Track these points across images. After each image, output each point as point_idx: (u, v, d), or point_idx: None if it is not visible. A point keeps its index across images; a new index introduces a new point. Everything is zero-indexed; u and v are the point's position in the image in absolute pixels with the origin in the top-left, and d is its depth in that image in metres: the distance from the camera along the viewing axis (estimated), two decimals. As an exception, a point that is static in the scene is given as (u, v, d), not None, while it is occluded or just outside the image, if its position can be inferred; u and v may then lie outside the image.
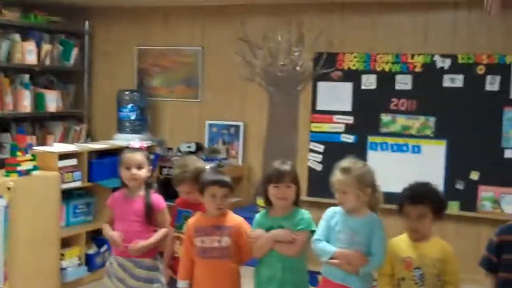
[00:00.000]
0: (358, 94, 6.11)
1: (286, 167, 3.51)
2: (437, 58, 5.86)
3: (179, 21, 6.91)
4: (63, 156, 5.34)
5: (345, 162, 3.44)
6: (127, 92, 6.77)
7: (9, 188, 4.63)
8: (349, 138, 6.14)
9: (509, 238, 3.32)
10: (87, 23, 7.20)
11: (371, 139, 6.07)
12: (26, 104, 6.46)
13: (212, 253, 3.52)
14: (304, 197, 5.93)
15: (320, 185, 5.70)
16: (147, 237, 3.94)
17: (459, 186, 5.78)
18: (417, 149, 5.92)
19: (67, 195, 5.49)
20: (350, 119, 6.15)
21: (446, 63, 5.83)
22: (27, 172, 4.92)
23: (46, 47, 6.72)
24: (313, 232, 3.47)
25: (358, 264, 3.30)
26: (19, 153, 4.89)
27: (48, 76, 6.97)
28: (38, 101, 6.65)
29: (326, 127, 6.23)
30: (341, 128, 6.18)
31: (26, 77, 6.56)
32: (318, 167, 6.23)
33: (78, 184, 5.48)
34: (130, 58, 7.15)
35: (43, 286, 5.10)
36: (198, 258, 3.57)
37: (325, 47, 6.09)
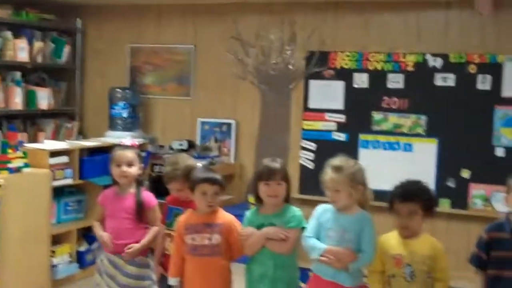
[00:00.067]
0: (350, 93, 6.12)
1: (276, 164, 3.51)
2: (429, 57, 5.87)
3: (172, 19, 6.90)
4: (54, 153, 5.33)
5: (336, 161, 3.44)
6: (119, 90, 6.75)
7: (-1, 186, 4.63)
8: (341, 136, 6.15)
9: (498, 235, 3.34)
10: (79, 20, 7.18)
11: (362, 137, 6.08)
12: (17, 101, 6.45)
13: (202, 251, 3.52)
14: (296, 194, 5.97)
15: (312, 183, 5.70)
16: (138, 234, 3.95)
17: (451, 184, 5.80)
18: (408, 147, 5.93)
19: (58, 192, 5.48)
20: (342, 117, 6.16)
21: (438, 62, 5.84)
22: (18, 170, 4.91)
23: (38, 44, 6.70)
24: (304, 229, 3.48)
25: (348, 261, 3.31)
26: (10, 150, 4.88)
27: (39, 74, 6.94)
28: (30, 98, 6.63)
29: (318, 125, 6.24)
30: (333, 126, 6.18)
31: (18, 74, 6.54)
32: (310, 165, 6.24)
33: (69, 181, 5.48)
34: (122, 56, 7.14)
35: (34, 283, 5.10)
36: (189, 255, 3.57)
37: (318, 45, 6.11)
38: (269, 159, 3.57)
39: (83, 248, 5.70)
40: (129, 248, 3.91)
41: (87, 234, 5.66)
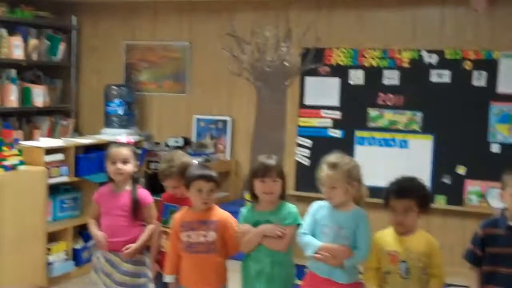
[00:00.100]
0: (346, 89, 6.13)
1: (272, 161, 3.51)
2: (424, 53, 5.87)
3: (167, 16, 6.89)
4: (50, 151, 5.32)
5: (332, 157, 3.44)
6: (114, 87, 6.75)
7: (-5, 183, 4.62)
8: (337, 133, 6.16)
9: (493, 231, 3.34)
10: (74, 18, 7.17)
11: (358, 133, 6.08)
12: (12, 99, 6.43)
13: (198, 248, 3.52)
14: (292, 191, 5.98)
15: (307, 180, 5.71)
16: (133, 232, 3.95)
17: (446, 180, 5.81)
18: (404, 144, 5.94)
19: (54, 190, 5.48)
20: (337, 114, 6.16)
21: (434, 59, 5.85)
22: (13, 167, 4.91)
23: (33, 42, 6.69)
24: (300, 225, 3.48)
25: (343, 258, 3.31)
26: (5, 148, 4.88)
27: (35, 71, 6.93)
28: (25, 96, 6.61)
29: (313, 122, 6.24)
30: (328, 123, 6.19)
31: (13, 72, 6.52)
32: (306, 162, 6.24)
33: (65, 179, 5.47)
34: (118, 53, 7.13)
35: (30, 281, 5.10)
36: (185, 252, 3.57)
37: (313, 42, 6.10)
38: (265, 156, 3.57)
39: (79, 245, 5.70)
40: (127, 249, 3.92)
41: (83, 232, 5.65)
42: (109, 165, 4.00)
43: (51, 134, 6.85)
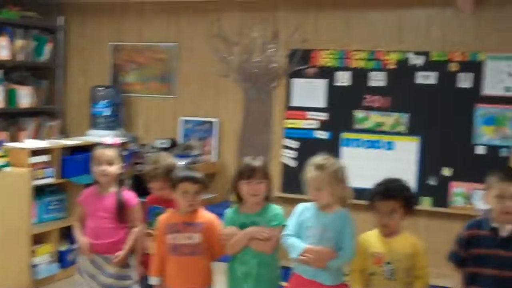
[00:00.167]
0: (332, 91, 6.13)
1: (257, 163, 3.52)
2: (410, 55, 5.88)
3: (154, 17, 6.87)
4: (35, 152, 5.30)
5: (318, 159, 3.46)
6: (101, 88, 6.72)
7: (-21, 185, 4.59)
8: (323, 135, 6.16)
9: (477, 233, 3.36)
10: (61, 18, 7.13)
11: (345, 135, 6.09)
12: (-2, 100, 6.40)
13: (183, 250, 3.52)
14: (278, 193, 5.97)
15: (294, 181, 5.70)
16: (118, 234, 3.94)
17: (432, 182, 5.82)
18: (390, 146, 5.95)
19: (39, 191, 5.46)
20: (324, 116, 6.16)
21: (420, 60, 5.86)
22: (-2, 169, 4.89)
23: (19, 42, 6.65)
24: (285, 226, 3.49)
25: (328, 260, 3.31)
26: (-10, 149, 4.85)
27: (21, 72, 6.89)
28: (11, 96, 6.57)
29: (300, 123, 6.24)
30: (315, 124, 6.19)
31: (-1, 72, 6.50)
32: (292, 164, 6.24)
33: (50, 180, 5.45)
34: (105, 54, 7.10)
35: (15, 283, 5.07)
36: (170, 255, 3.57)
37: (300, 43, 6.11)
38: (250, 158, 3.58)
39: (64, 247, 5.67)
40: (116, 257, 3.91)
41: (68, 234, 5.62)
42: (94, 167, 3.99)
43: (37, 135, 6.81)
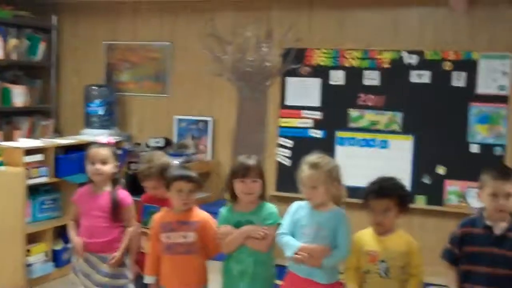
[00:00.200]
0: (327, 90, 6.14)
1: (252, 161, 3.52)
2: (404, 54, 5.90)
3: (148, 16, 6.87)
4: (30, 151, 5.29)
5: (313, 158, 3.46)
6: (95, 87, 6.71)
7: (-27, 184, 4.58)
8: (318, 133, 6.17)
9: (471, 231, 3.37)
10: (54, 17, 7.12)
11: (339, 134, 6.10)
12: (-8, 99, 6.40)
13: (178, 249, 3.52)
14: (273, 192, 5.98)
15: (288, 180, 5.72)
16: (112, 233, 3.94)
17: (426, 180, 5.84)
18: (384, 144, 5.96)
19: (34, 190, 5.44)
20: (318, 115, 6.17)
21: (414, 59, 5.87)
22: (-8, 168, 4.88)
23: (12, 41, 6.63)
24: (280, 225, 3.49)
25: (322, 257, 3.31)
26: (-16, 149, 4.84)
27: (14, 71, 6.88)
28: (5, 96, 6.57)
29: (294, 122, 6.25)
30: (309, 123, 6.20)
31: (-8, 71, 6.49)
32: (287, 162, 6.25)
33: (44, 179, 5.43)
34: (98, 53, 7.09)
35: (9, 282, 5.06)
36: (165, 253, 3.57)
37: (294, 42, 6.11)
38: (244, 156, 3.57)
39: (59, 247, 5.66)
40: (112, 258, 3.90)
41: (63, 233, 5.61)
42: (89, 166, 3.98)
43: (31, 134, 6.80)
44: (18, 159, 5.16)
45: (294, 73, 6.20)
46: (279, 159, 6.30)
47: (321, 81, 6.15)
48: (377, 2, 6.00)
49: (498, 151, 5.63)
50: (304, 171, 3.42)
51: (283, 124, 6.29)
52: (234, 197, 3.56)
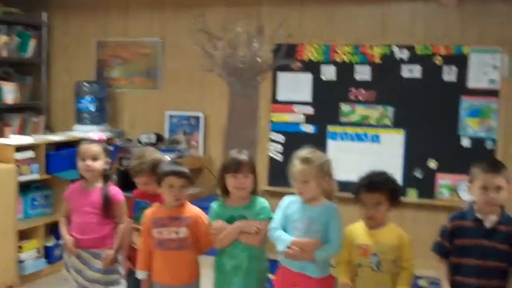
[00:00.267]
0: (318, 85, 6.14)
1: (243, 156, 3.52)
2: (395, 49, 5.91)
3: (138, 12, 6.85)
4: (20, 148, 5.28)
5: (304, 152, 3.46)
6: (85, 84, 6.69)
7: (-36, 181, 4.57)
8: (309, 128, 6.17)
9: (462, 224, 3.39)
10: (44, 14, 7.09)
11: (331, 128, 6.11)
12: (-18, 96, 6.37)
13: (169, 244, 3.52)
14: (265, 186, 5.99)
15: (280, 175, 5.71)
16: (104, 229, 3.94)
17: (417, 174, 5.85)
18: (376, 139, 5.97)
19: (25, 187, 5.43)
20: (310, 109, 6.18)
21: (405, 54, 5.88)
22: (-17, 165, 4.86)
23: (3, 38, 6.60)
24: (272, 219, 3.50)
25: (314, 250, 3.32)
26: (-26, 146, 4.83)
27: (5, 68, 6.86)
28: (-5, 93, 6.56)
29: (286, 117, 6.25)
30: (301, 118, 6.20)
31: (-17, 68, 6.46)
32: (279, 157, 6.25)
33: (35, 176, 5.43)
34: (89, 50, 7.07)
35: (1, 279, 5.05)
36: (156, 249, 3.57)
37: (285, 38, 6.10)
38: (236, 151, 3.58)
39: (50, 243, 5.66)
40: (106, 257, 3.90)
41: (54, 229, 5.60)
42: (80, 162, 3.98)
43: (22, 131, 6.77)
44: (9, 155, 5.15)
45: (285, 68, 6.20)
46: (271, 154, 6.30)
47: (312, 76, 6.16)
48: (367, -3, 6.01)
49: (489, 144, 5.66)
50: (296, 165, 3.42)
51: (274, 119, 6.30)
52: (225, 192, 3.56)
